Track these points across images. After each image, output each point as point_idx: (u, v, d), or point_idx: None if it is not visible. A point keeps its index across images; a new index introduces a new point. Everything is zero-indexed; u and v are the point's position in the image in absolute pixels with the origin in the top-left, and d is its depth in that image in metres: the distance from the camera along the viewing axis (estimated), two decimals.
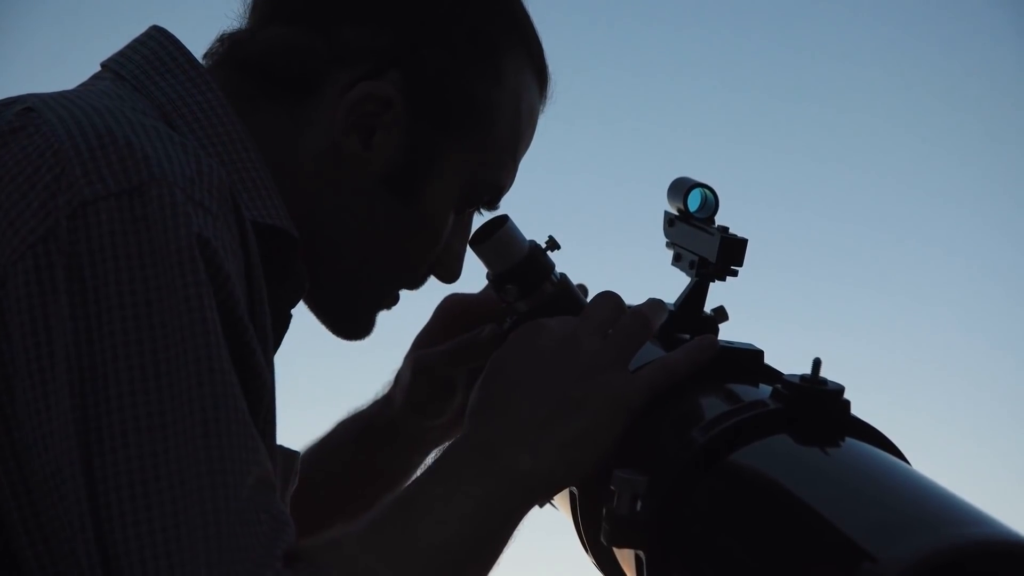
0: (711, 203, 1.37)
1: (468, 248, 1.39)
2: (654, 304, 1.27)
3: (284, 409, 1.12)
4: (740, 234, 1.33)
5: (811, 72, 4.02)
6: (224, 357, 0.98)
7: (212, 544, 0.93)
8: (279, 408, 1.11)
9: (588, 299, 1.37)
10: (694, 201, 1.37)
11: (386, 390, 1.56)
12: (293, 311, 1.27)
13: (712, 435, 1.10)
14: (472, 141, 1.28)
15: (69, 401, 0.95)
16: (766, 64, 4.02)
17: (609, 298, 1.25)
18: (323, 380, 3.15)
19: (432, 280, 1.38)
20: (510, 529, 1.14)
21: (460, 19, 1.27)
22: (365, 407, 1.57)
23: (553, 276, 1.42)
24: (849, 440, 1.08)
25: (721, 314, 1.36)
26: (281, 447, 1.21)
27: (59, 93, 1.14)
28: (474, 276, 1.45)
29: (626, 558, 1.14)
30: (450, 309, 1.54)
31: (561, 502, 1.28)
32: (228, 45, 1.28)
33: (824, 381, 1.10)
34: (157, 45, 1.23)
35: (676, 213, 1.39)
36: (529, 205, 1.49)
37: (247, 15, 1.30)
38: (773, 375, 1.22)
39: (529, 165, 1.38)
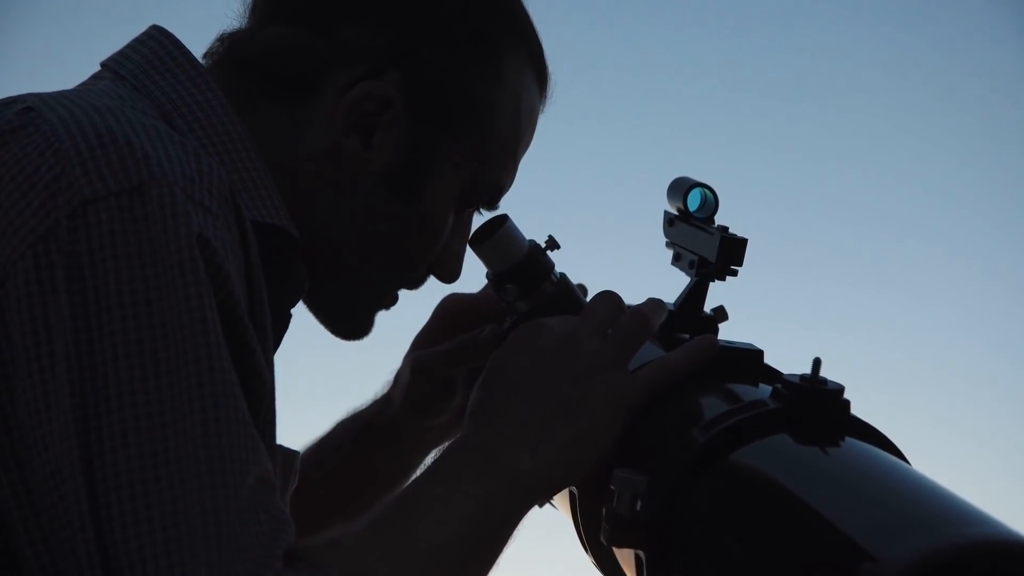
0: (711, 203, 1.37)
1: (468, 248, 1.39)
2: (653, 304, 1.27)
3: (284, 409, 1.12)
4: (740, 234, 1.33)
5: (811, 72, 4.02)
6: (224, 357, 0.98)
7: (212, 544, 0.93)
8: (279, 408, 1.11)
9: (588, 299, 1.37)
10: (694, 201, 1.37)
11: (385, 390, 1.56)
12: (292, 311, 1.27)
13: (712, 435, 1.10)
14: (472, 141, 1.28)
15: (69, 401, 0.95)
16: (766, 64, 4.03)
17: (608, 298, 1.25)
18: (323, 380, 3.15)
19: (431, 280, 1.37)
20: (510, 529, 1.14)
21: (460, 19, 1.27)
22: (364, 407, 1.57)
23: (553, 276, 1.42)
24: (849, 440, 1.08)
25: (721, 314, 1.36)
26: (281, 447, 1.21)
27: (59, 93, 1.14)
28: (474, 276, 1.45)
29: (626, 558, 1.14)
30: (449, 309, 1.54)
31: (561, 502, 1.28)
32: (228, 45, 1.28)
33: (824, 381, 1.10)
34: (157, 45, 1.23)
35: (676, 213, 1.39)
36: (529, 205, 1.49)
37: (247, 15, 1.30)
38: (773, 375, 1.22)
39: (529, 165, 1.38)
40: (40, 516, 0.97)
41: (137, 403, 0.95)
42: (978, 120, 3.91)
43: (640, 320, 1.22)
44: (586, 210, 3.87)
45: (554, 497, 1.23)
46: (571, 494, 1.25)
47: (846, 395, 1.10)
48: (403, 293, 1.37)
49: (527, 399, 1.16)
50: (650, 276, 1.56)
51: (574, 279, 1.45)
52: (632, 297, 1.28)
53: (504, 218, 1.40)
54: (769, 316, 3.58)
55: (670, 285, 1.38)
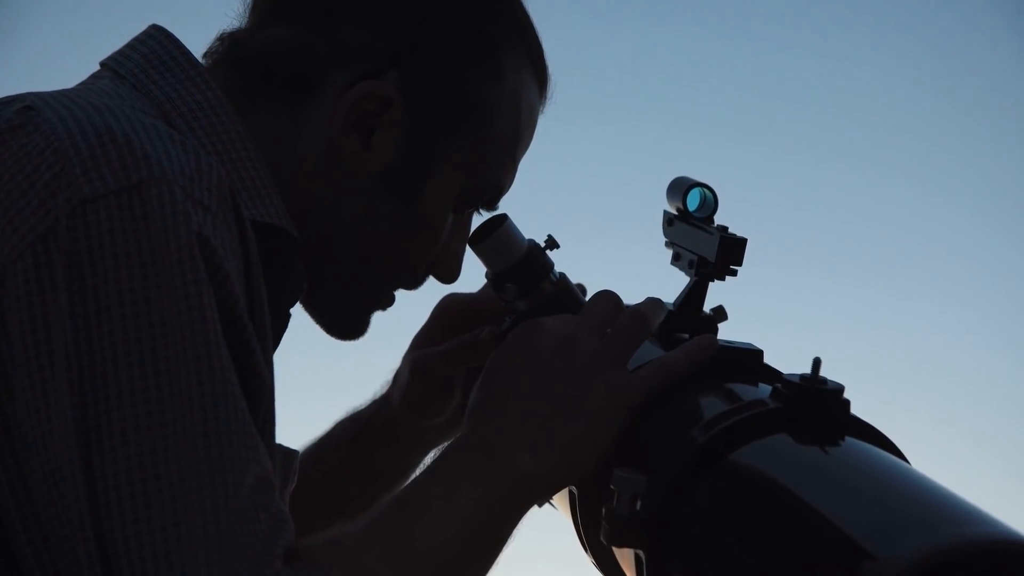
0: (710, 202, 1.37)
1: (467, 248, 1.39)
2: (652, 303, 1.26)
3: (283, 408, 1.12)
4: (739, 233, 1.33)
5: (811, 72, 4.03)
6: (224, 356, 0.98)
7: (212, 543, 0.93)
8: (278, 407, 1.11)
9: (587, 298, 1.37)
10: (693, 200, 1.37)
11: (384, 390, 1.56)
12: (291, 311, 1.27)
13: (712, 434, 1.10)
14: (472, 141, 1.28)
15: (68, 399, 0.95)
16: (766, 64, 4.03)
17: (607, 297, 1.25)
18: (322, 380, 3.15)
19: (431, 280, 1.37)
20: (509, 529, 1.14)
21: (460, 19, 1.27)
22: (363, 407, 1.57)
23: (552, 275, 1.42)
24: (849, 439, 1.08)
25: (720, 314, 1.36)
26: (280, 446, 1.21)
27: (58, 92, 1.14)
28: (473, 276, 1.45)
29: (626, 558, 1.14)
30: (448, 309, 1.54)
31: (560, 502, 1.28)
32: (228, 44, 1.28)
33: (824, 380, 1.10)
34: (156, 44, 1.23)
35: (675, 212, 1.39)
36: (528, 204, 1.49)
37: (247, 14, 1.30)
38: (772, 374, 1.22)
39: (529, 165, 1.38)
40: (39, 515, 0.97)
41: (137, 402, 0.95)
42: (978, 120, 3.91)
43: (639, 319, 1.22)
44: (585, 210, 3.87)
45: (553, 497, 1.23)
46: (571, 494, 1.25)
47: (846, 395, 1.10)
48: (402, 293, 1.37)
49: (526, 399, 1.16)
50: (649, 276, 1.56)
51: (573, 279, 1.45)
52: (631, 297, 1.28)
53: (503, 217, 1.40)
54: (769, 316, 3.58)
55: (669, 285, 1.38)
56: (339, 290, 1.31)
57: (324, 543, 1.04)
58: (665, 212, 1.41)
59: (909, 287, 3.95)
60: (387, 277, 1.33)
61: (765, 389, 1.16)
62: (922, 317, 3.94)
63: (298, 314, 1.29)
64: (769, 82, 4.00)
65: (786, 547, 0.97)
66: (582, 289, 1.46)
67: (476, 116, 1.28)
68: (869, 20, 3.98)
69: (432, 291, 1.41)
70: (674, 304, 1.35)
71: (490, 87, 1.28)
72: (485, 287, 1.50)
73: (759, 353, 1.26)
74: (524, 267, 1.40)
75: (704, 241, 1.34)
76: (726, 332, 1.33)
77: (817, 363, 1.10)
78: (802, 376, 1.10)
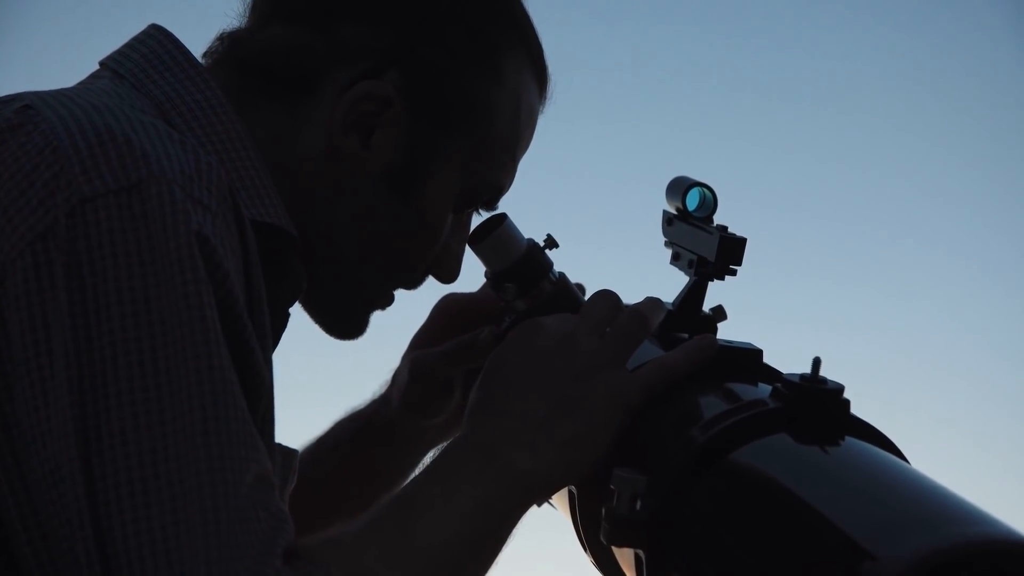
0: (709, 202, 1.37)
1: (466, 247, 1.39)
2: (652, 303, 1.26)
3: (282, 408, 1.12)
4: (739, 233, 1.33)
5: (811, 72, 4.02)
6: (223, 355, 0.98)
7: (211, 542, 0.93)
8: (277, 407, 1.11)
9: (586, 298, 1.37)
10: (692, 200, 1.37)
11: (383, 390, 1.56)
12: (290, 310, 1.27)
13: (712, 434, 1.10)
14: (471, 141, 1.28)
15: (68, 399, 0.95)
16: (765, 64, 4.03)
17: (606, 296, 1.25)
18: (321, 380, 3.15)
19: (430, 279, 1.37)
20: (509, 528, 1.14)
21: (460, 19, 1.27)
22: (362, 407, 1.57)
23: (551, 275, 1.42)
24: (849, 439, 1.08)
25: (720, 313, 1.36)
26: (280, 445, 1.21)
27: (57, 91, 1.13)
28: (472, 275, 1.45)
29: (625, 557, 1.14)
30: (447, 309, 1.54)
31: (560, 501, 1.28)
32: (228, 44, 1.28)
33: (824, 380, 1.10)
34: (156, 44, 1.23)
35: (675, 212, 1.39)
36: (528, 204, 1.49)
37: (247, 14, 1.30)
38: (772, 374, 1.22)
39: (528, 164, 1.38)
40: (39, 515, 0.97)
41: (136, 401, 0.95)
42: (978, 120, 3.91)
43: (638, 319, 1.22)
44: (585, 209, 3.87)
45: (553, 496, 1.23)
46: (570, 493, 1.25)
47: (846, 394, 1.10)
48: (401, 292, 1.36)
49: (525, 398, 1.16)
50: (649, 275, 1.56)
51: (573, 278, 1.45)
52: (630, 296, 1.28)
53: (503, 217, 1.40)
54: (768, 316, 3.58)
55: (669, 285, 1.38)
56: (338, 290, 1.31)
57: (323, 542, 1.04)
58: (664, 212, 1.41)
59: (909, 287, 3.95)
60: (386, 277, 1.33)
61: (765, 389, 1.16)
62: (922, 317, 3.94)
63: (297, 314, 1.29)
64: (769, 82, 4.00)
65: (786, 547, 0.97)
66: (581, 288, 1.46)
67: (476, 116, 1.28)
68: (869, 20, 3.98)
69: (431, 291, 1.41)
70: (673, 304, 1.35)
71: (490, 87, 1.28)
72: (484, 287, 1.50)
73: (759, 353, 1.25)
74: (523, 266, 1.40)
75: (703, 241, 1.34)
76: (725, 332, 1.33)
77: (817, 363, 1.10)
78: (802, 376, 1.10)
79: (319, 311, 1.34)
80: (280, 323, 1.25)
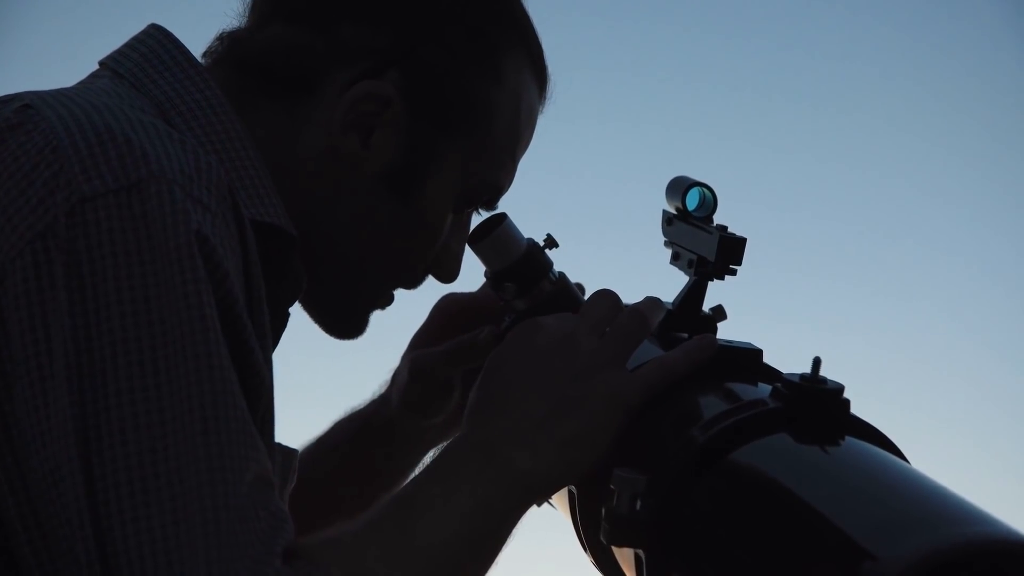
0: (709, 202, 1.37)
1: (466, 247, 1.39)
2: (651, 302, 1.26)
3: (281, 408, 1.12)
4: (738, 233, 1.33)
5: (810, 72, 4.02)
6: (223, 354, 0.98)
7: (211, 541, 0.93)
8: (277, 406, 1.11)
9: (586, 298, 1.37)
10: (692, 200, 1.37)
11: (383, 390, 1.56)
12: (290, 310, 1.27)
13: (712, 434, 1.10)
14: (471, 141, 1.28)
15: (68, 398, 0.95)
16: (765, 64, 4.03)
17: (606, 296, 1.25)
18: (320, 379, 3.15)
19: (430, 279, 1.37)
20: (508, 528, 1.14)
21: (460, 19, 1.27)
22: (362, 407, 1.57)
23: (551, 274, 1.42)
24: (849, 439, 1.08)
25: (719, 313, 1.36)
26: (279, 445, 1.21)
27: (57, 90, 1.13)
28: (472, 275, 1.45)
29: (625, 557, 1.14)
30: (446, 309, 1.54)
31: (560, 501, 1.28)
32: (227, 44, 1.28)
33: (824, 380, 1.10)
34: (155, 43, 1.23)
35: (674, 212, 1.39)
36: (527, 204, 1.49)
37: (246, 14, 1.30)
38: (772, 374, 1.22)
39: (528, 164, 1.38)
40: (38, 514, 0.97)
41: (136, 400, 0.95)
42: (978, 120, 3.91)
43: (638, 319, 1.22)
44: (585, 209, 3.87)
45: (553, 496, 1.23)
46: (570, 493, 1.25)
47: (846, 394, 1.10)
48: (401, 292, 1.36)
49: (525, 398, 1.16)
50: (648, 275, 1.56)
51: (572, 278, 1.45)
52: (630, 296, 1.28)
53: (502, 216, 1.40)
54: (768, 315, 3.58)
55: (669, 284, 1.38)
56: (338, 289, 1.31)
57: (323, 542, 1.04)
58: (664, 211, 1.41)
59: (909, 287, 3.95)
60: (386, 276, 1.33)
61: (765, 389, 1.16)
62: (921, 317, 3.94)
63: (297, 313, 1.29)
64: (769, 82, 4.00)
65: (786, 547, 0.97)
66: (581, 288, 1.46)
67: (476, 116, 1.28)
68: (869, 20, 3.98)
69: (431, 290, 1.41)
70: (673, 303, 1.35)
71: (490, 87, 1.28)
72: (484, 286, 1.50)
73: (758, 352, 1.25)
74: (523, 266, 1.40)
75: (703, 240, 1.34)
76: (725, 331, 1.33)
77: (817, 363, 1.10)
78: (802, 376, 1.10)
79: (319, 311, 1.34)
80: (280, 323, 1.25)
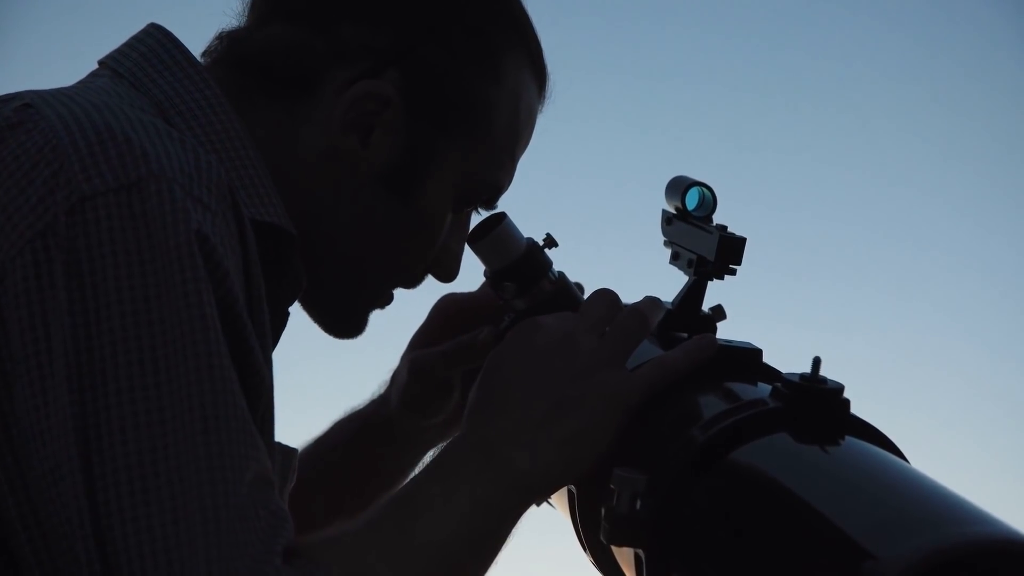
0: (709, 202, 1.37)
1: (465, 246, 1.38)
2: (651, 302, 1.26)
3: (281, 407, 1.12)
4: (738, 233, 1.33)
5: (810, 72, 4.03)
6: (223, 353, 0.98)
7: (211, 540, 0.93)
8: (276, 406, 1.11)
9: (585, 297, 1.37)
10: (692, 199, 1.37)
11: (382, 389, 1.56)
12: (290, 309, 1.27)
13: (711, 433, 1.10)
14: (470, 140, 1.28)
15: (67, 397, 0.95)
16: (765, 64, 4.03)
17: (605, 295, 1.25)
18: (320, 379, 3.15)
19: (429, 278, 1.37)
20: (508, 528, 1.14)
21: (459, 18, 1.27)
22: (361, 406, 1.57)
23: (551, 274, 1.41)
24: (849, 439, 1.08)
25: (719, 313, 1.36)
26: (279, 444, 1.21)
27: (57, 90, 1.13)
28: (471, 275, 1.45)
29: (625, 557, 1.14)
30: (446, 308, 1.54)
31: (559, 501, 1.28)
32: (227, 43, 1.28)
33: (824, 380, 1.10)
34: (155, 42, 1.22)
35: (674, 211, 1.39)
36: (527, 203, 1.49)
37: (246, 13, 1.30)
38: (772, 374, 1.22)
39: (528, 163, 1.38)
40: (38, 514, 0.97)
41: (136, 399, 0.95)
42: (978, 120, 3.91)
43: (637, 318, 1.22)
44: (584, 209, 3.87)
45: (552, 496, 1.23)
46: (570, 493, 1.25)
47: (846, 394, 1.10)
48: (401, 292, 1.36)
49: (525, 398, 1.16)
50: (648, 275, 1.56)
51: (572, 277, 1.45)
52: (630, 296, 1.28)
53: (502, 215, 1.40)
54: (768, 315, 3.58)
55: (668, 284, 1.38)
56: (337, 289, 1.31)
57: (323, 541, 1.04)
58: (664, 211, 1.41)
59: (909, 287, 3.95)
60: (386, 276, 1.33)
61: (765, 388, 1.16)
62: (921, 317, 3.94)
63: (297, 313, 1.29)
64: (768, 82, 4.00)
65: (786, 546, 0.97)
66: (580, 288, 1.46)
67: (475, 116, 1.28)
68: (869, 20, 3.98)
69: (430, 290, 1.41)
70: (673, 303, 1.35)
71: (489, 87, 1.28)
72: (483, 286, 1.50)
73: (758, 352, 1.25)
74: (522, 265, 1.40)
75: (703, 240, 1.34)
76: (725, 331, 1.33)
77: (817, 362, 1.10)
78: (802, 375, 1.10)
79: (318, 310, 1.34)
80: (280, 322, 1.25)
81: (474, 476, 1.12)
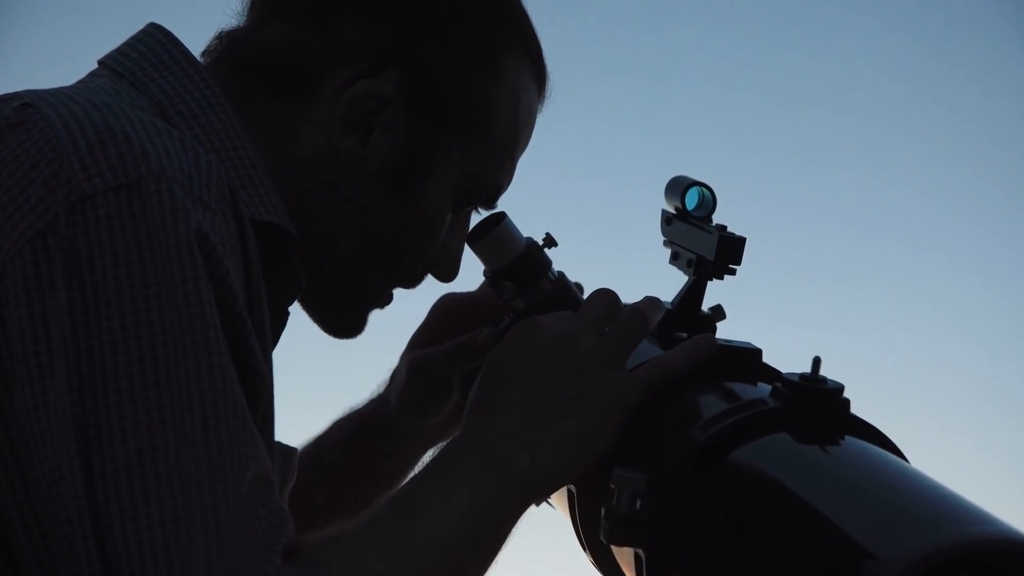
0: (708, 201, 1.37)
1: (465, 246, 1.38)
2: (650, 302, 1.26)
3: (280, 407, 1.12)
4: (738, 232, 1.33)
5: (810, 72, 4.03)
6: (223, 352, 0.98)
7: (212, 539, 0.93)
8: (276, 405, 1.11)
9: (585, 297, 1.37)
10: (691, 199, 1.37)
11: (382, 389, 1.56)
12: (289, 309, 1.27)
13: (711, 433, 1.10)
14: (470, 140, 1.28)
15: (67, 396, 0.95)
16: (765, 64, 4.03)
17: (605, 295, 1.25)
18: (320, 379, 3.15)
19: (429, 278, 1.37)
20: (508, 527, 1.14)
21: (459, 18, 1.26)
22: (360, 406, 1.57)
23: (550, 273, 1.41)
24: (849, 438, 1.08)
25: (718, 313, 1.36)
26: (279, 443, 1.21)
27: (57, 89, 1.13)
28: (471, 274, 1.45)
29: (625, 557, 1.14)
30: (445, 308, 1.54)
31: (559, 501, 1.28)
32: (226, 43, 1.27)
33: (824, 379, 1.10)
34: (154, 42, 1.22)
35: (673, 211, 1.39)
36: (527, 203, 1.49)
37: (245, 13, 1.30)
38: (772, 374, 1.22)
39: (527, 163, 1.38)
40: (38, 513, 0.97)
41: (136, 399, 0.95)
42: (978, 121, 3.91)
43: (637, 318, 1.22)
44: (584, 208, 3.87)
45: (552, 496, 1.23)
46: (569, 493, 1.25)
47: (845, 394, 1.10)
48: (400, 291, 1.36)
49: (524, 397, 1.16)
50: (647, 275, 1.56)
51: (572, 277, 1.45)
52: (629, 295, 1.28)
53: (501, 215, 1.40)
54: (768, 315, 3.58)
55: (668, 284, 1.38)
56: (337, 289, 1.31)
57: (323, 541, 1.04)
58: (663, 211, 1.41)
59: (909, 287, 3.95)
60: (385, 276, 1.33)
61: (764, 388, 1.16)
62: (921, 317, 3.94)
63: (297, 313, 1.29)
64: (768, 82, 4.00)
65: (786, 546, 0.97)
66: (580, 288, 1.46)
67: (475, 116, 1.28)
68: (869, 20, 3.98)
69: (430, 289, 1.41)
70: (672, 303, 1.35)
71: (489, 86, 1.28)
72: (483, 285, 1.50)
73: (758, 352, 1.25)
74: (522, 265, 1.40)
75: (702, 240, 1.34)
76: (725, 331, 1.33)
77: (817, 362, 1.10)
78: (802, 375, 1.10)
79: (317, 310, 1.34)
80: (279, 322, 1.25)
81: (474, 476, 1.12)
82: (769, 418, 1.09)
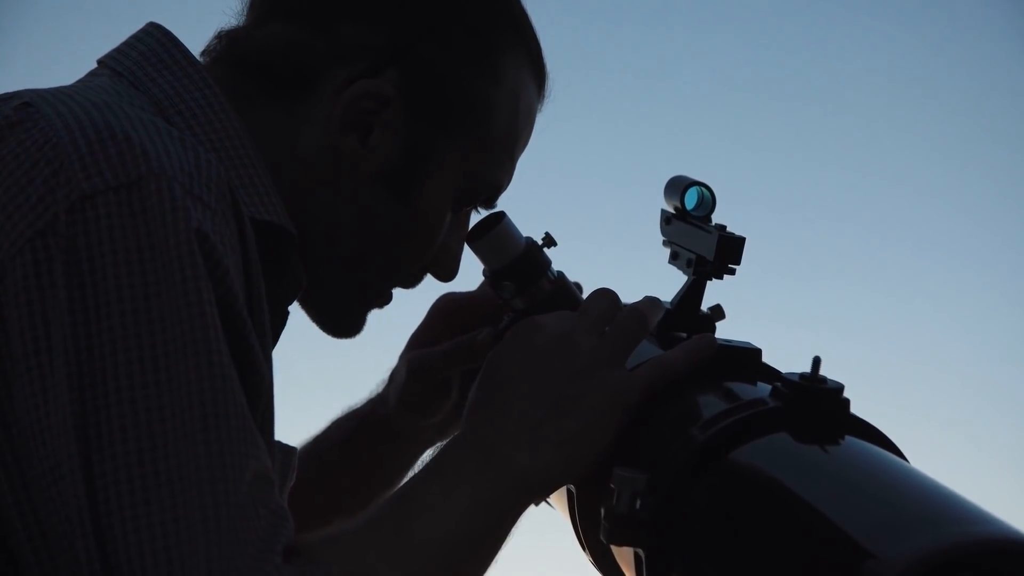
0: (708, 201, 1.37)
1: (464, 246, 1.38)
2: (650, 302, 1.26)
3: (280, 406, 1.12)
4: (737, 232, 1.33)
5: (810, 72, 4.03)
6: (223, 351, 0.98)
7: (212, 539, 0.93)
8: (276, 405, 1.11)
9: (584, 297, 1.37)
10: (691, 199, 1.37)
11: (381, 389, 1.56)
12: (289, 308, 1.27)
13: (711, 433, 1.10)
14: (470, 140, 1.28)
15: (67, 396, 0.94)
16: (764, 64, 4.03)
17: (605, 295, 1.25)
18: (319, 379, 3.15)
19: (428, 277, 1.37)
20: (507, 527, 1.14)
21: (459, 17, 1.26)
22: (360, 405, 1.57)
23: (550, 273, 1.41)
24: (849, 438, 1.08)
25: (718, 312, 1.36)
26: (279, 443, 1.21)
27: (56, 88, 1.13)
28: (470, 274, 1.45)
29: (624, 556, 1.14)
30: (444, 308, 1.54)
31: (558, 500, 1.28)
32: (226, 42, 1.27)
33: (824, 379, 1.10)
34: (154, 42, 1.22)
35: (673, 211, 1.39)
36: (526, 202, 1.49)
37: (245, 12, 1.30)
38: (772, 373, 1.22)
39: (527, 163, 1.38)
40: (38, 512, 0.97)
41: (136, 398, 0.95)
42: (978, 120, 3.91)
43: (637, 318, 1.22)
44: (583, 208, 3.87)
45: (552, 496, 1.23)
46: (569, 493, 1.25)
47: (845, 394, 1.10)
48: (399, 291, 1.36)
49: (524, 397, 1.16)
50: (647, 275, 1.56)
51: (571, 277, 1.45)
52: (629, 295, 1.28)
53: (501, 215, 1.40)
54: (768, 315, 3.58)
55: (667, 284, 1.38)
56: (336, 288, 1.31)
57: (323, 540, 1.04)
58: (663, 211, 1.41)
59: (909, 287, 3.95)
60: (385, 275, 1.33)
61: (764, 388, 1.16)
62: (921, 317, 3.95)
63: (296, 313, 1.29)
64: (768, 82, 4.00)
65: (786, 546, 0.97)
66: (579, 287, 1.46)
67: (474, 115, 1.28)
68: (869, 20, 3.98)
69: (429, 289, 1.41)
70: (672, 303, 1.35)
71: (488, 86, 1.28)
72: (482, 285, 1.50)
73: (758, 352, 1.25)
74: (522, 265, 1.40)
75: (702, 240, 1.34)
76: (724, 331, 1.33)
77: (817, 362, 1.10)
78: (802, 375, 1.10)
79: (317, 309, 1.34)
80: (279, 321, 1.25)
81: (474, 476, 1.12)
82: (769, 418, 1.09)
